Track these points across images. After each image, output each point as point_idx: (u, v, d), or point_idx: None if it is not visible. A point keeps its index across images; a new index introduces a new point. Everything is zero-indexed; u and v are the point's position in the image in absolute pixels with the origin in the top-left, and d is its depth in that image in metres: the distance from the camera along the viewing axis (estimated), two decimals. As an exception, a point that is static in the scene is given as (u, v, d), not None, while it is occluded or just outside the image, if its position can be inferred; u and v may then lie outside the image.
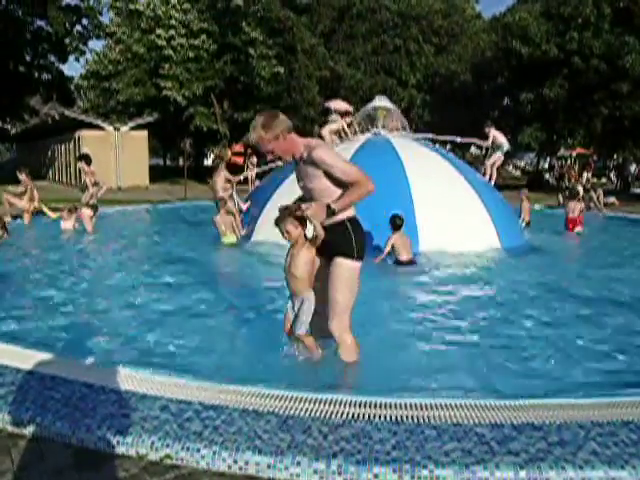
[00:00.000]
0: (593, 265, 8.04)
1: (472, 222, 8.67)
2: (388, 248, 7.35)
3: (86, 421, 2.67)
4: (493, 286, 6.58)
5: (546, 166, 40.50)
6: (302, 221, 3.47)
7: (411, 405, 2.90)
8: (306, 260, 3.51)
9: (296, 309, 3.62)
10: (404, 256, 7.35)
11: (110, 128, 24.75)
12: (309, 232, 3.48)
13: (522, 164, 57.34)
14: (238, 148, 34.98)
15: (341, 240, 3.38)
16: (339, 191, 3.34)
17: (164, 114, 26.93)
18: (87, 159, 10.67)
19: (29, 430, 2.73)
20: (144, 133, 25.61)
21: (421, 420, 2.75)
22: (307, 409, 2.83)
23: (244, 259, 8.24)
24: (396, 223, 7.40)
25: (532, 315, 5.15)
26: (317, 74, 25.95)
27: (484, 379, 3.65)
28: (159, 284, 6.15)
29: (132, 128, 25.40)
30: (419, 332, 4.65)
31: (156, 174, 29.28)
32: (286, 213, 3.44)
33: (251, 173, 25.18)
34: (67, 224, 10.41)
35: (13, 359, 3.41)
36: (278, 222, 3.51)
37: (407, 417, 2.78)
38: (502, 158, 13.29)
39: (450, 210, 8.54)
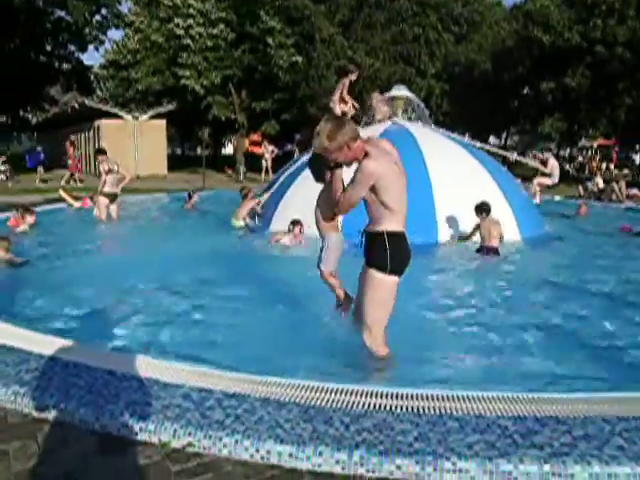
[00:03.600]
0: (614, 257, 7.92)
1: (492, 212, 8.59)
2: (473, 232, 7.70)
3: (109, 407, 2.69)
4: (515, 276, 6.52)
5: (566, 157, 39.93)
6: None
7: (433, 396, 2.88)
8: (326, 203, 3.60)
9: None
10: (492, 242, 7.41)
11: (129, 117, 24.89)
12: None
13: (541, 155, 56.84)
14: (256, 137, 35.03)
15: (376, 251, 3.34)
16: (387, 213, 3.28)
17: (182, 103, 26.99)
18: (102, 151, 10.79)
19: (53, 416, 2.77)
20: (162, 122, 25.71)
21: (443, 411, 2.73)
22: (329, 399, 2.82)
23: (263, 247, 8.25)
24: (483, 209, 7.57)
25: (557, 307, 5.09)
26: (335, 63, 25.74)
27: (507, 371, 3.62)
28: (182, 273, 6.15)
29: (151, 117, 25.52)
30: (441, 322, 4.63)
31: (174, 163, 29.43)
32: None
33: (267, 163, 25.28)
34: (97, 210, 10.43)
35: (38, 345, 3.45)
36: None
37: (429, 408, 2.76)
38: (550, 183, 13.13)
39: (470, 200, 8.46)
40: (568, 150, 39.83)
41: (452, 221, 8.28)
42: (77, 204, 12.21)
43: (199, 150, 51.48)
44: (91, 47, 30.16)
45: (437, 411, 2.73)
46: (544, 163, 13.26)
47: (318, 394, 2.88)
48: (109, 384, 2.94)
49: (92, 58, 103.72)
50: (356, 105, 10.23)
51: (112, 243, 8.78)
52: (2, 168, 20.05)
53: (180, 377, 3.04)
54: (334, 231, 3.77)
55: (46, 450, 2.53)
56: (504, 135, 40.61)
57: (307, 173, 9.19)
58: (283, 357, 3.69)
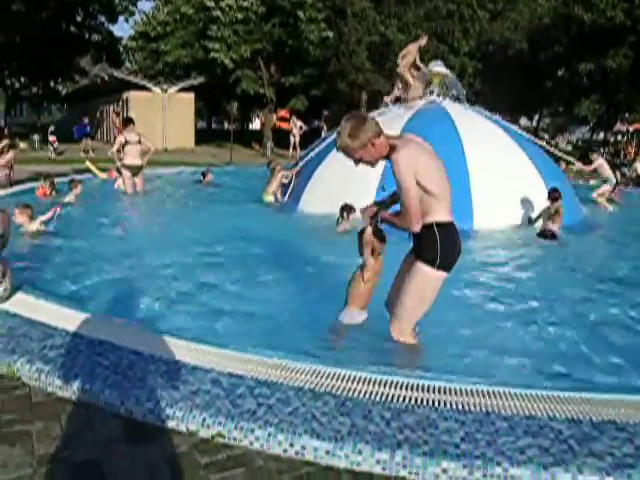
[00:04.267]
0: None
1: (531, 197, 8.26)
2: (540, 216, 7.85)
3: (135, 392, 2.55)
4: (561, 264, 6.24)
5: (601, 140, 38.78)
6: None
7: (479, 392, 2.69)
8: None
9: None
10: (554, 227, 7.55)
11: (157, 90, 24.78)
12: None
13: (574, 138, 55.23)
14: (284, 113, 34.67)
15: (425, 244, 3.14)
16: (432, 201, 3.08)
17: (211, 77, 26.76)
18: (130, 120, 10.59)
19: (78, 396, 2.64)
20: (191, 95, 25.55)
21: (490, 409, 2.53)
22: (367, 391, 2.64)
23: (293, 227, 8.07)
24: (556, 195, 7.71)
25: (610, 300, 4.80)
26: (367, 39, 25.19)
27: (557, 367, 3.39)
28: (211, 253, 5.99)
29: (179, 90, 25.38)
30: (485, 312, 4.41)
31: (201, 137, 29.33)
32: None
33: (295, 139, 24.98)
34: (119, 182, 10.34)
35: (62, 320, 3.34)
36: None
37: (475, 405, 2.57)
38: (610, 189, 12.25)
39: (508, 185, 8.15)
40: (602, 134, 38.67)
41: (489, 206, 7.96)
42: (103, 175, 12.16)
43: (226, 124, 51.31)
44: (121, 18, 30.03)
45: (484, 409, 2.54)
46: (590, 162, 12.37)
47: (355, 385, 2.70)
48: (135, 365, 2.80)
49: (122, 30, 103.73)
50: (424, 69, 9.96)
51: (136, 217, 8.66)
52: (51, 139, 19.62)
53: (209, 360, 2.89)
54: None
55: (70, 433, 2.41)
56: (536, 117, 39.57)
57: (330, 157, 9.00)
58: (311, 344, 3.52)
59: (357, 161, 3.18)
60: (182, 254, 5.73)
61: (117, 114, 21.60)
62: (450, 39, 28.63)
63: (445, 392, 2.67)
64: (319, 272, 5.28)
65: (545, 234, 7.53)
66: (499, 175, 8.17)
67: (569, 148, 47.16)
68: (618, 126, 38.25)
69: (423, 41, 9.86)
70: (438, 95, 10.12)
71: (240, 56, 25.14)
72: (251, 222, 7.98)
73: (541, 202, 8.27)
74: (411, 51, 9.91)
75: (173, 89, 25.17)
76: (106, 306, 4.10)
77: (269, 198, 9.73)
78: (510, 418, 2.47)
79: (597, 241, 8.04)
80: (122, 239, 6.58)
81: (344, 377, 2.77)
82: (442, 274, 3.17)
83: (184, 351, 2.99)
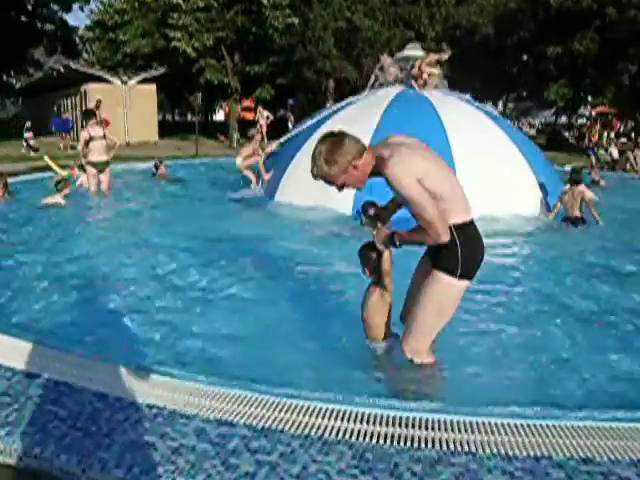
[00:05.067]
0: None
1: (518, 186, 7.89)
2: (559, 204, 7.61)
3: (99, 455, 2.01)
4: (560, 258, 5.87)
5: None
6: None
7: (524, 428, 2.23)
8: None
9: None
10: (576, 212, 7.41)
11: (117, 81, 23.77)
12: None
13: (537, 123, 55.73)
14: (248, 104, 33.88)
15: (444, 251, 2.66)
16: (443, 204, 2.62)
17: (173, 67, 25.82)
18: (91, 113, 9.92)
19: (24, 463, 2.09)
20: (152, 87, 24.63)
21: (539, 451, 2.08)
22: (387, 435, 2.16)
23: (271, 222, 7.55)
24: (573, 178, 7.56)
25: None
26: (333, 25, 24.59)
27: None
28: (182, 261, 5.40)
29: (140, 81, 24.41)
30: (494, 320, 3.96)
31: (165, 130, 28.41)
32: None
33: (262, 129, 24.27)
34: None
35: (6, 355, 2.76)
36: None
37: (520, 446, 2.11)
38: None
39: (494, 172, 7.75)
40: (564, 118, 39.03)
41: (475, 194, 7.55)
42: (64, 173, 11.37)
43: (190, 116, 50.16)
44: (75, 6, 28.72)
45: (532, 451, 2.08)
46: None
47: (372, 427, 2.22)
48: (99, 415, 2.26)
49: (78, 19, 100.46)
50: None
51: (100, 220, 7.91)
52: (27, 135, 18.38)
53: (189, 402, 2.36)
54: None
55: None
56: (501, 102, 39.65)
57: (310, 144, 8.53)
58: (303, 370, 3.01)
59: (340, 187, 2.73)
60: (150, 264, 5.11)
61: (96, 107, 20.36)
62: (416, 25, 28.28)
63: (484, 430, 2.20)
64: (311, 279, 4.77)
65: (573, 220, 7.37)
66: (486, 162, 7.77)
67: (533, 132, 47.59)
68: (582, 110, 38.66)
69: (445, 55, 9.51)
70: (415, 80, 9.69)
71: (203, 45, 24.27)
72: (225, 221, 7.40)
73: (530, 188, 7.94)
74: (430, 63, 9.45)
75: (134, 80, 24.18)
76: (57, 335, 3.40)
77: (239, 160, 9.54)
78: (565, 463, 2.02)
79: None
80: (80, 249, 5.83)
81: (358, 416, 2.28)
82: (465, 283, 2.72)
83: (160, 390, 2.45)
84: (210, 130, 32.17)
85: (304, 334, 3.52)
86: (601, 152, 17.40)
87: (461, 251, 2.64)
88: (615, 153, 16.14)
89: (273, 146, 10.15)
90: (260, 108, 25.10)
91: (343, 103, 9.46)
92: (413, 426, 2.22)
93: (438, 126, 8.11)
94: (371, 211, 3.02)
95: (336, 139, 2.65)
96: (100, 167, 9.23)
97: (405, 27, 27.63)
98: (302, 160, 8.46)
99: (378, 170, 2.65)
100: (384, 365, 3.09)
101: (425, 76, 9.19)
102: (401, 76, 9.73)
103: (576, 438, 2.18)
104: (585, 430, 2.24)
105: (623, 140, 28.93)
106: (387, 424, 2.23)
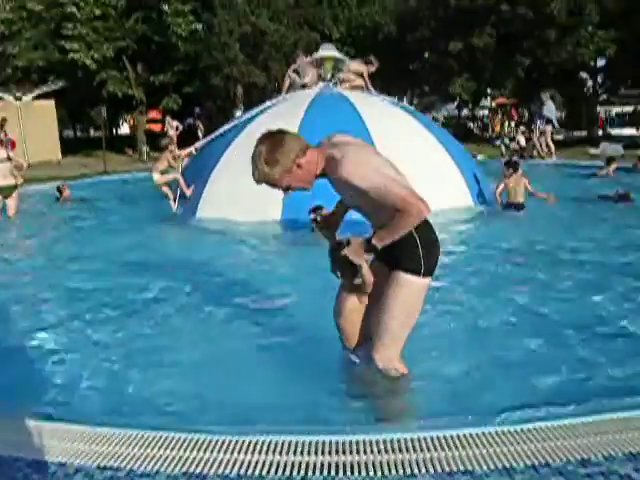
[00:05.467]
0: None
1: (444, 180, 7.94)
2: (501, 189, 7.97)
3: None
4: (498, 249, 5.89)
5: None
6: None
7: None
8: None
9: None
10: (519, 198, 7.77)
11: (10, 98, 22.18)
12: (356, 279, 2.66)
13: (440, 116, 57.78)
14: (154, 115, 32.73)
15: (404, 252, 2.53)
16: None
17: (72, 80, 24.42)
18: None
19: None
20: (50, 102, 23.23)
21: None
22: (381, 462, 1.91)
23: (198, 240, 7.11)
24: (512, 165, 8.00)
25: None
26: (238, 30, 24.19)
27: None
28: (106, 282, 4.95)
29: (36, 97, 22.93)
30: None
31: (68, 147, 26.89)
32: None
33: (173, 140, 23.42)
34: None
35: None
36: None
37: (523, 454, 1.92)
38: None
39: (421, 167, 7.72)
40: (465, 111, 40.63)
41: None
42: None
43: (92, 131, 47.86)
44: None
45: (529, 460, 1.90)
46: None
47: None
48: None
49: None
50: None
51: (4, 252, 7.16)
52: None
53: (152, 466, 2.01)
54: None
55: None
56: (406, 98, 40.69)
57: (230, 153, 8.24)
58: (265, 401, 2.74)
59: (286, 189, 2.58)
60: (70, 300, 4.62)
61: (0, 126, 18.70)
62: (321, 26, 28.42)
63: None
64: (260, 301, 4.46)
65: (516, 205, 7.72)
66: (410, 156, 7.76)
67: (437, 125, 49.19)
68: (483, 102, 40.40)
69: (373, 68, 9.67)
70: (332, 80, 9.58)
71: (102, 56, 23.11)
72: (149, 244, 6.91)
73: (455, 181, 8.01)
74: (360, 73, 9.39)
75: (29, 96, 22.66)
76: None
77: (156, 176, 9.05)
78: None
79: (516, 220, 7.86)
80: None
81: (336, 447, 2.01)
82: (428, 280, 2.61)
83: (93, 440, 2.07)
84: (116, 144, 30.74)
85: (265, 360, 3.23)
86: (506, 141, 18.18)
87: (422, 248, 2.53)
88: (522, 141, 16.85)
89: (188, 150, 9.71)
90: (169, 118, 24.28)
91: (260, 108, 9.17)
92: (407, 449, 1.99)
93: (359, 124, 8.04)
94: (316, 216, 2.77)
95: (275, 137, 2.50)
96: (5, 192, 8.43)
97: (310, 29, 27.70)
98: (223, 172, 8.10)
99: (326, 172, 2.51)
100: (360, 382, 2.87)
101: (353, 82, 9.22)
102: (321, 75, 9.59)
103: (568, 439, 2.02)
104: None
105: (522, 129, 30.55)
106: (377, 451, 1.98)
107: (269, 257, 6.06)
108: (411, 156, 7.74)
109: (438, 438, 2.17)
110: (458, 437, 2.20)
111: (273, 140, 2.49)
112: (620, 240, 6.05)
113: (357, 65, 9.60)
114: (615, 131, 27.28)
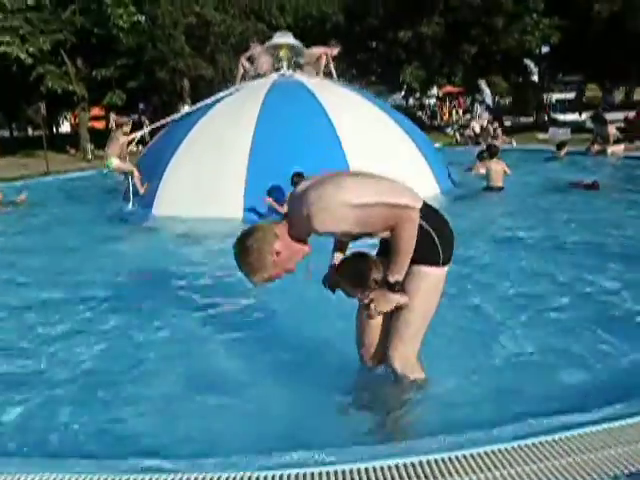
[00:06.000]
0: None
1: (409, 166, 7.71)
2: (481, 172, 8.51)
3: None
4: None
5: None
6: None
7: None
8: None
9: None
10: (499, 183, 8.10)
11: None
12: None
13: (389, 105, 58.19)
14: (97, 112, 31.46)
15: (419, 244, 2.27)
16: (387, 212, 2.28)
17: (6, 76, 23.08)
18: None
19: None
20: (-18, 100, 21.93)
21: None
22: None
23: (155, 240, 6.64)
24: (491, 151, 8.54)
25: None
26: (183, 21, 23.40)
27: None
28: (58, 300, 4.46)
29: (-35, 95, 21.61)
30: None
31: (4, 147, 25.57)
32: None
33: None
34: None
35: None
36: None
37: None
38: None
39: (384, 153, 7.50)
40: (411, 100, 40.93)
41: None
42: None
43: (31, 130, 45.82)
44: None
45: None
46: None
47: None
48: None
49: None
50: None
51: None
52: None
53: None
54: None
55: None
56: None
57: (186, 146, 7.83)
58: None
59: (287, 271, 2.36)
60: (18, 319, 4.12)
61: None
62: (268, 16, 27.86)
63: None
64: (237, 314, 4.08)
65: (493, 189, 8.06)
66: (372, 140, 7.58)
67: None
68: (433, 91, 40.75)
69: (335, 51, 9.62)
70: (288, 68, 9.22)
71: (39, 49, 21.90)
72: (104, 249, 6.34)
73: (422, 169, 7.83)
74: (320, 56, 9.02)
75: (-44, 95, 21.33)
76: None
77: (115, 161, 8.38)
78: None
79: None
80: None
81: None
82: (447, 269, 2.46)
83: None
84: (57, 143, 29.42)
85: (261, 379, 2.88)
86: (456, 127, 18.30)
87: (437, 238, 2.34)
88: (477, 128, 16.91)
89: (140, 134, 9.36)
90: (113, 115, 23.30)
91: (214, 98, 8.72)
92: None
93: (318, 109, 7.78)
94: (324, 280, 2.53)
95: (243, 247, 2.28)
96: None
97: (257, 19, 27.13)
98: (179, 167, 7.65)
99: (305, 235, 2.33)
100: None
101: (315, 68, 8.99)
102: (274, 64, 9.21)
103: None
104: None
105: (467, 117, 30.91)
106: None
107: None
108: (377, 146, 7.54)
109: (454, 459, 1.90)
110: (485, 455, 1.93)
111: (241, 249, 2.28)
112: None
113: (318, 50, 9.29)
114: (560, 117, 27.79)
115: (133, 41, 23.05)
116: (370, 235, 2.39)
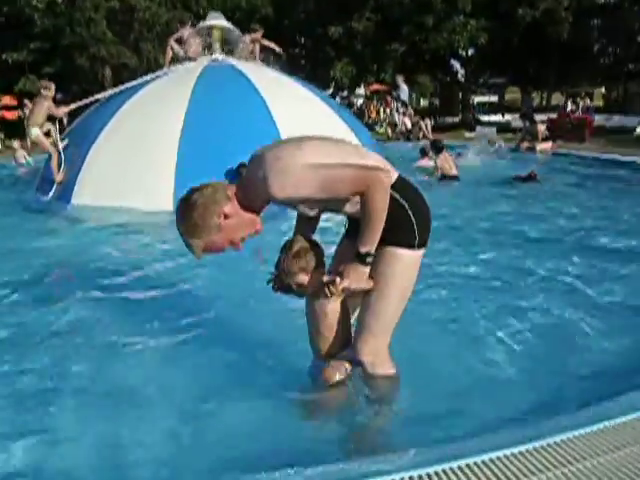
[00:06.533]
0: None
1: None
2: (439, 170, 8.77)
3: None
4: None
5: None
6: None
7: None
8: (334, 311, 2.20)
9: None
10: (453, 171, 8.73)
11: None
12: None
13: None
14: (9, 100, 29.34)
15: (392, 220, 2.00)
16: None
17: None
18: None
19: None
20: None
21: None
22: None
23: (76, 234, 5.99)
24: (438, 147, 8.97)
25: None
26: (105, 5, 22.17)
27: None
28: None
29: None
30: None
31: None
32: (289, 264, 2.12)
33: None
34: None
35: None
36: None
37: None
38: None
39: (318, 132, 7.24)
40: (338, 98, 41.06)
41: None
42: None
43: None
44: None
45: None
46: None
47: None
48: None
49: None
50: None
51: None
52: None
53: None
54: None
55: None
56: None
57: (110, 129, 7.23)
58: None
59: (233, 243, 2.03)
60: None
61: None
62: (195, 6, 26.99)
63: None
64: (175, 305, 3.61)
65: (450, 178, 8.55)
66: (309, 125, 7.26)
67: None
68: (361, 89, 40.98)
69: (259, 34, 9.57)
70: (222, 51, 8.75)
71: (-61, 28, 20.13)
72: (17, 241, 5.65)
73: (350, 139, 7.69)
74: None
75: None
76: None
77: (35, 131, 7.73)
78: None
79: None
80: None
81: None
82: (422, 252, 2.19)
83: None
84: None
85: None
86: (385, 125, 18.48)
87: (414, 216, 2.08)
88: (409, 123, 17.02)
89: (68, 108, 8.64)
90: (26, 101, 21.74)
91: (144, 79, 8.12)
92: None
93: (252, 91, 7.41)
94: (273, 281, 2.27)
95: (187, 202, 1.98)
96: None
97: (184, 9, 26.24)
98: (100, 154, 7.02)
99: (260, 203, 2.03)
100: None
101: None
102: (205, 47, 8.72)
103: None
104: None
105: (403, 110, 31.20)
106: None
107: (169, 254, 5.13)
108: (310, 124, 7.23)
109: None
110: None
111: (185, 207, 1.98)
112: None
113: (250, 36, 9.14)
114: (484, 117, 28.62)
115: (49, 23, 21.62)
116: (336, 209, 2.10)
